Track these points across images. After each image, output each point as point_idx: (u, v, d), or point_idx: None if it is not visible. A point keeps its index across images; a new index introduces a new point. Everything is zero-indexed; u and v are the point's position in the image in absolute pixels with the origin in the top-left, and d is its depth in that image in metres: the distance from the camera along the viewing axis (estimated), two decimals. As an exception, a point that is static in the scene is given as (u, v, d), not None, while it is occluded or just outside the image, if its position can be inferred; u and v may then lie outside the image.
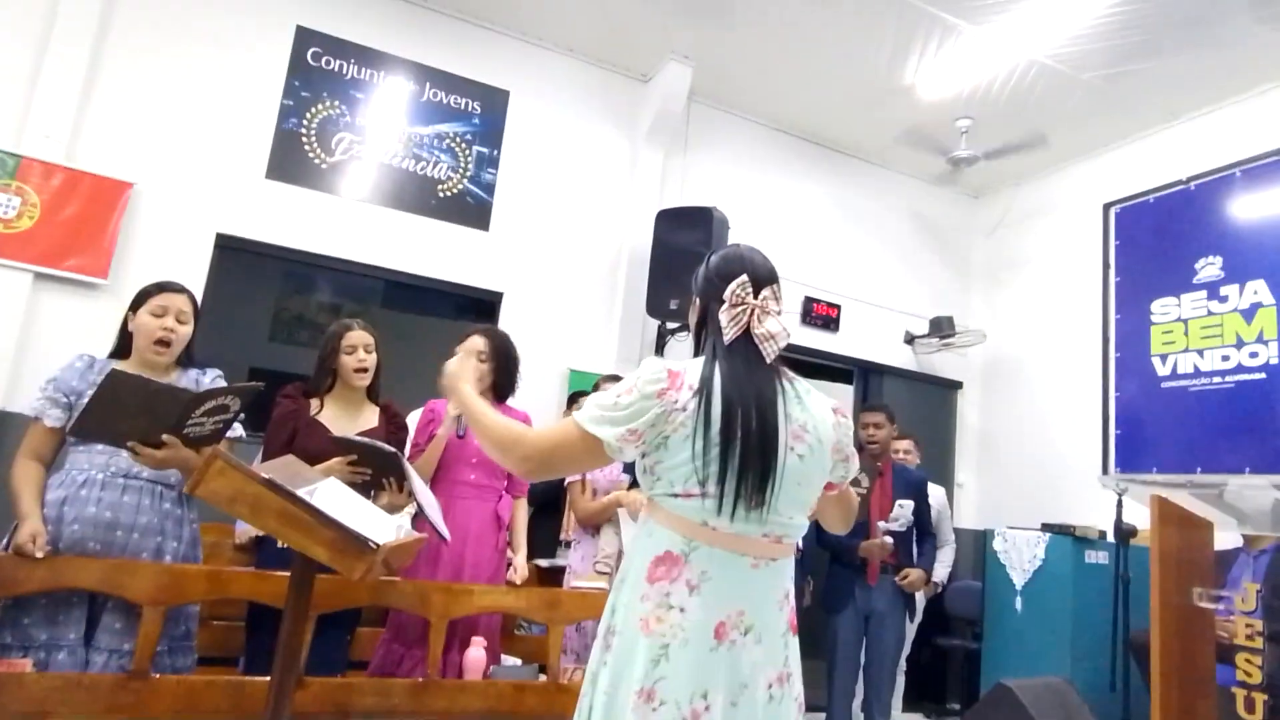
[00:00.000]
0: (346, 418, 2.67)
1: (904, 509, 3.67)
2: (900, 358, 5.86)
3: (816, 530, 3.61)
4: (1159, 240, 2.81)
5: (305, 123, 4.25)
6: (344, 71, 4.38)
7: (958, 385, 6.04)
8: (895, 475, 3.77)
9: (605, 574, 3.09)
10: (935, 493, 4.42)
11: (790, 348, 1.58)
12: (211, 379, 2.44)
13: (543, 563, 3.50)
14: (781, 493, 1.45)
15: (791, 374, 1.57)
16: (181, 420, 2.10)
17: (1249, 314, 2.49)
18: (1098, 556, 4.18)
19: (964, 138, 5.25)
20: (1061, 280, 5.44)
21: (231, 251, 4.08)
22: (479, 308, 4.75)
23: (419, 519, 2.54)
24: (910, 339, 5.88)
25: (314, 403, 2.66)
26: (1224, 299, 2.56)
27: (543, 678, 2.63)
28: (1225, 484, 2.40)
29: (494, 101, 4.74)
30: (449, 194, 4.57)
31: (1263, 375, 2.43)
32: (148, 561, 2.22)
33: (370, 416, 2.74)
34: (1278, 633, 2.29)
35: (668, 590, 1.41)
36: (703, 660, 1.38)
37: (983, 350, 5.90)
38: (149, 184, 3.85)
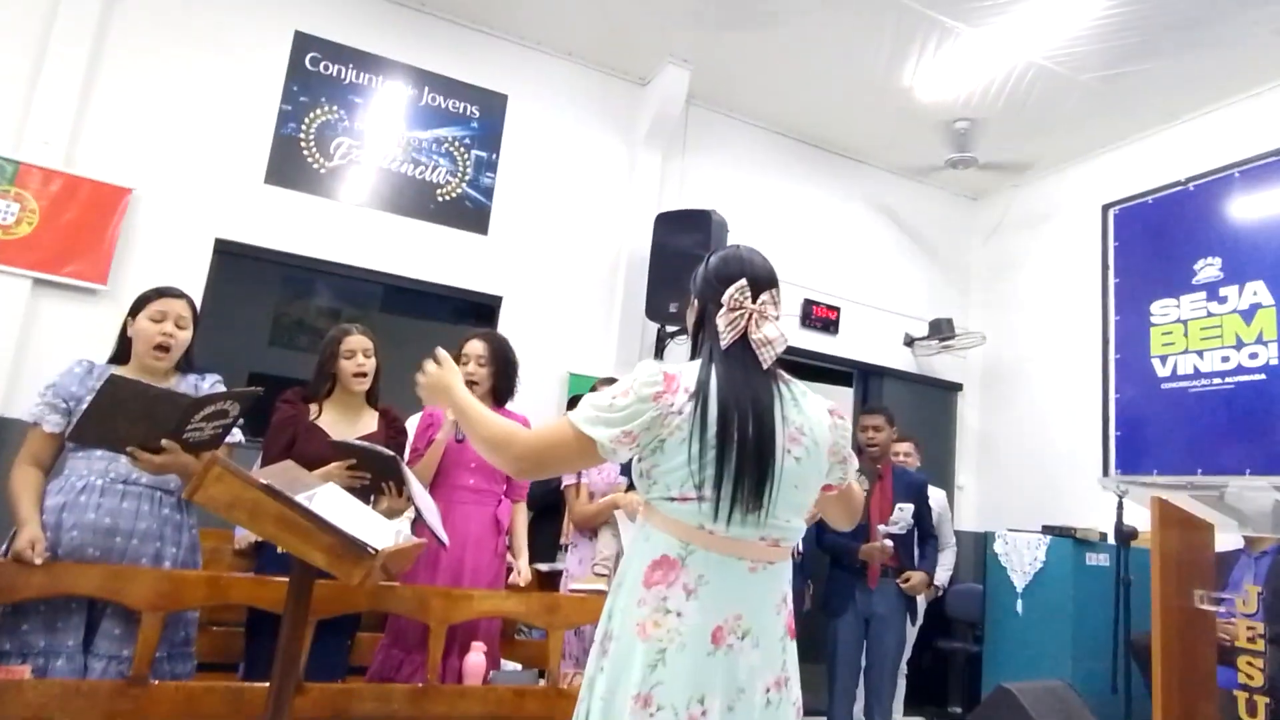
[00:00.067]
0: (346, 422, 2.67)
1: (904, 512, 3.66)
2: (900, 360, 5.85)
3: (817, 533, 3.62)
4: (1158, 241, 2.81)
5: (304, 128, 4.26)
6: (342, 76, 4.38)
7: (957, 387, 6.03)
8: (895, 478, 3.76)
9: (603, 576, 3.08)
10: (936, 495, 4.42)
11: (789, 350, 1.58)
12: (211, 384, 2.44)
13: (542, 567, 3.49)
14: (779, 496, 1.45)
15: (788, 376, 1.57)
16: (180, 425, 2.09)
17: (1248, 315, 2.49)
18: (1098, 559, 4.18)
19: (962, 140, 5.25)
20: (1061, 282, 5.43)
21: (230, 256, 4.08)
22: (478, 312, 4.76)
23: (418, 524, 2.54)
24: (910, 341, 5.87)
25: (313, 408, 2.66)
26: (1223, 300, 2.56)
27: (542, 683, 2.62)
28: (1226, 485, 2.40)
29: (492, 105, 4.74)
30: (448, 198, 4.57)
31: (1262, 376, 2.43)
32: (147, 567, 2.22)
33: (369, 421, 2.74)
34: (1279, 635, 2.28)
35: (664, 594, 1.41)
36: (700, 665, 1.37)
37: (982, 352, 5.89)
38: (148, 189, 3.86)
